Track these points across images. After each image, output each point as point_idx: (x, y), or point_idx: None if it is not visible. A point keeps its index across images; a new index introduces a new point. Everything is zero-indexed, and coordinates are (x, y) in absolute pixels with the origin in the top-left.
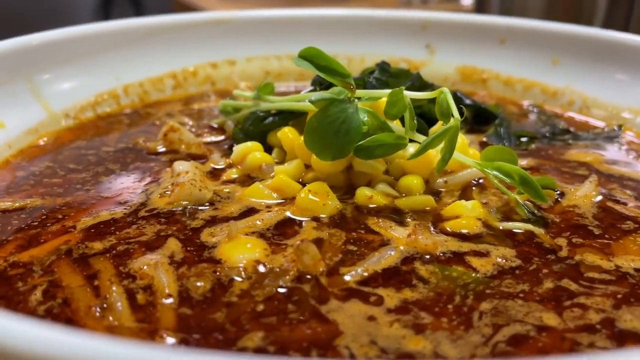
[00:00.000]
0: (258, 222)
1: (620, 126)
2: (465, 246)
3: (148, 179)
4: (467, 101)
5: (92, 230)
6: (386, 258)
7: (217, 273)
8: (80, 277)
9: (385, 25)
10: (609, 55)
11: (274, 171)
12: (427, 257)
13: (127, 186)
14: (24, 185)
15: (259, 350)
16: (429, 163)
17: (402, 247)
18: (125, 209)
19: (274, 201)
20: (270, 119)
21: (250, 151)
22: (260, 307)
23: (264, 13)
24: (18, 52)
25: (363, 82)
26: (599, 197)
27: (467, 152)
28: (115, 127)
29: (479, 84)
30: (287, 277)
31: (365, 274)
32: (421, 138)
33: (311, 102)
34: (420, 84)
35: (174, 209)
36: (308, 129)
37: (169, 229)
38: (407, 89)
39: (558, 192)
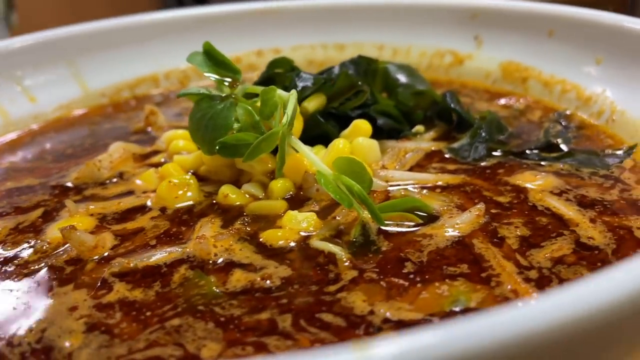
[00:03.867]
0: (114, 204)
1: (630, 148)
2: (254, 258)
3: (93, 156)
4: (455, 106)
5: (4, 192)
6: (157, 257)
7: (29, 243)
8: None
9: (433, 13)
10: None
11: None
12: (202, 262)
13: (75, 160)
14: (17, 150)
15: None
16: (298, 167)
17: (188, 249)
18: (46, 179)
19: (153, 188)
20: None
21: (176, 138)
22: (17, 279)
23: (310, 2)
24: (64, 39)
25: (290, 79)
26: (464, 231)
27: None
28: (139, 107)
29: (518, 84)
30: (63, 257)
31: (131, 265)
32: (296, 141)
33: (179, 95)
34: (345, 84)
35: (75, 184)
36: (189, 122)
37: (52, 200)
38: (326, 88)
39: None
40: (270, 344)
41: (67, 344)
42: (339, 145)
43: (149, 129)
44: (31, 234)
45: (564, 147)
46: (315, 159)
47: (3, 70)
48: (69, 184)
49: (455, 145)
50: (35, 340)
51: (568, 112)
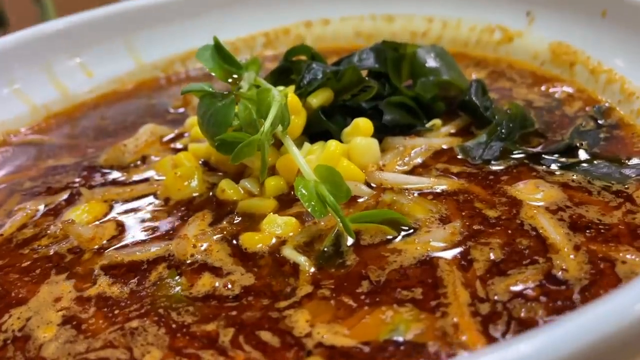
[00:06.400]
0: (127, 191)
1: None
2: (226, 262)
3: (129, 135)
4: (476, 100)
5: (44, 170)
6: (142, 253)
7: (46, 226)
8: None
9: None
10: None
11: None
12: (179, 261)
13: (112, 140)
14: (67, 124)
15: None
16: (292, 167)
17: (171, 246)
18: (81, 159)
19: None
20: None
21: (197, 124)
22: (26, 262)
23: None
24: (118, 15)
25: (298, 69)
26: (436, 252)
27: (338, 164)
28: (188, 81)
29: (566, 68)
30: (67, 245)
31: (118, 259)
32: (289, 142)
33: (182, 92)
34: (353, 79)
35: (104, 166)
36: (197, 116)
37: (79, 183)
38: (332, 83)
39: (410, 230)
40: (205, 358)
41: (42, 335)
42: (331, 147)
43: (183, 109)
44: (52, 217)
45: (583, 153)
46: (301, 163)
47: (62, 46)
48: (99, 166)
49: (469, 143)
50: (19, 328)
51: (607, 105)
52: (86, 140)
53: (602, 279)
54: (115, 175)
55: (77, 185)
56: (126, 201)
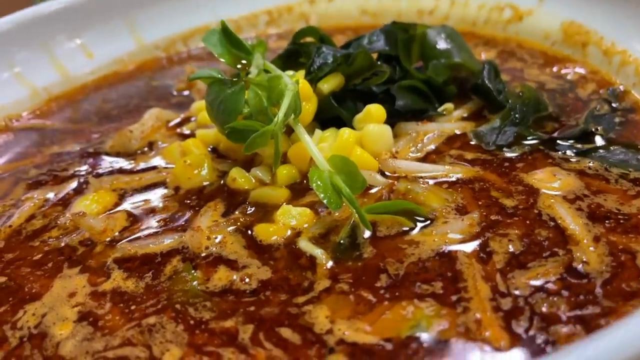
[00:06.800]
0: (135, 180)
1: None
2: (242, 254)
3: (134, 120)
4: (489, 83)
5: (48, 157)
6: (156, 245)
7: (55, 216)
8: None
9: None
10: None
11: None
12: (194, 254)
13: (116, 125)
14: (70, 107)
15: None
16: (304, 155)
17: (185, 237)
18: (87, 145)
19: (174, 163)
20: None
21: (204, 109)
22: (37, 256)
23: None
24: None
25: (307, 52)
26: (454, 245)
27: (351, 153)
28: (190, 60)
29: (578, 49)
30: (78, 237)
31: (131, 251)
32: (301, 130)
33: (189, 79)
34: (364, 63)
35: (107, 155)
36: (205, 103)
37: (85, 171)
38: (343, 68)
39: (427, 221)
40: (225, 356)
41: (58, 332)
42: (344, 135)
43: (187, 92)
44: (60, 207)
45: (599, 139)
46: (315, 152)
47: (62, 27)
48: (105, 153)
49: (483, 128)
50: (35, 325)
51: (621, 88)
52: (90, 125)
53: (624, 272)
54: (122, 162)
55: (84, 173)
56: (135, 190)
